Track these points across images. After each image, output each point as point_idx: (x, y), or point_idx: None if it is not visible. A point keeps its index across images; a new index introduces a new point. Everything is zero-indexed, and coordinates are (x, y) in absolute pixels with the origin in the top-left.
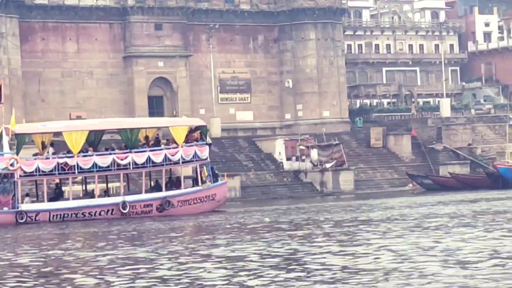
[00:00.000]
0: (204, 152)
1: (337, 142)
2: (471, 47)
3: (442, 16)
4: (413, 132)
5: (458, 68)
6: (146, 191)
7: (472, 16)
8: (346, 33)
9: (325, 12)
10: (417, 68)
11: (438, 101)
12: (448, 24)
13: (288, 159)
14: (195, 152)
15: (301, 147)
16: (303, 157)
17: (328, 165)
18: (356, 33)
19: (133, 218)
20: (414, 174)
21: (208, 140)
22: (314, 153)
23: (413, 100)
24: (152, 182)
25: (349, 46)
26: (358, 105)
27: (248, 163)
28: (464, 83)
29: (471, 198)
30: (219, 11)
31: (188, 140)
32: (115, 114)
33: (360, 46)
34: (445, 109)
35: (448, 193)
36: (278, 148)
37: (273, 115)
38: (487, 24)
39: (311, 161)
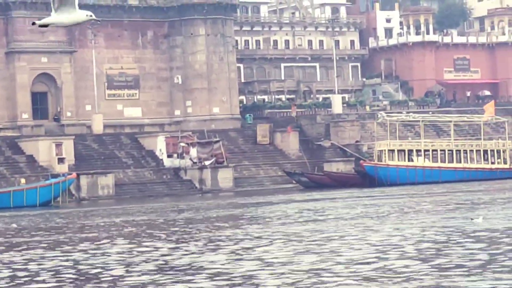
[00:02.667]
0: None
1: (217, 139)
2: (372, 43)
3: (342, 12)
4: (288, 129)
5: (359, 64)
6: None
7: (373, 12)
8: (243, 28)
9: (215, 8)
10: (317, 64)
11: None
12: (348, 20)
13: (169, 156)
14: None
15: (182, 144)
16: (184, 154)
17: (207, 163)
18: (254, 29)
19: None
20: (291, 172)
21: None
22: (193, 151)
23: (293, 102)
24: None
25: (247, 41)
26: (257, 101)
27: (128, 160)
28: (364, 79)
29: (308, 198)
30: (107, 6)
31: None
32: None
33: (258, 41)
34: (337, 106)
35: (315, 191)
36: (160, 145)
37: (163, 111)
38: (388, 20)
39: (190, 158)
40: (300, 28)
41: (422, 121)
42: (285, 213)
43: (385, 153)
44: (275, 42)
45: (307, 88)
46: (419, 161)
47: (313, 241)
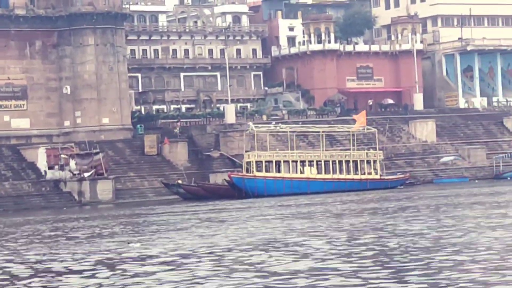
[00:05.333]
0: None
1: (97, 150)
2: (274, 51)
3: (244, 21)
4: (165, 141)
5: (261, 73)
6: None
7: (275, 21)
8: (141, 37)
9: (104, 17)
10: (218, 73)
11: (224, 107)
12: (250, 29)
13: (51, 168)
14: None
15: (63, 155)
16: (65, 166)
17: (86, 174)
18: (152, 38)
19: None
20: (169, 183)
21: None
22: (72, 162)
23: (177, 121)
24: None
25: (145, 51)
26: (154, 111)
27: (6, 172)
28: (266, 88)
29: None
30: None
31: None
32: None
33: (156, 51)
34: (230, 115)
35: (185, 203)
36: (41, 157)
37: (52, 122)
38: (291, 29)
39: (70, 170)
40: (200, 37)
41: (290, 132)
42: None
43: (253, 165)
44: (174, 51)
45: (207, 97)
46: (312, 172)
47: None
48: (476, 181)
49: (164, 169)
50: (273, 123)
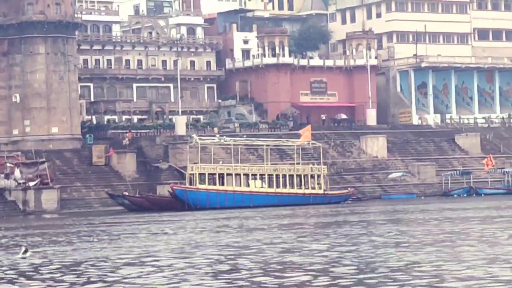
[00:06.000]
0: None
1: (43, 159)
2: (228, 64)
3: (199, 33)
4: (111, 151)
5: (215, 85)
6: None
7: (231, 33)
8: (94, 47)
9: (56, 26)
10: (171, 85)
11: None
12: (205, 41)
13: None
14: None
15: (8, 164)
16: (10, 175)
17: (31, 183)
18: (105, 48)
19: None
20: (114, 194)
21: None
22: (17, 171)
23: (127, 130)
24: None
25: (97, 60)
26: (105, 121)
27: None
28: (220, 101)
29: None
30: None
31: None
32: None
33: (109, 61)
34: (180, 127)
35: (129, 214)
36: None
37: (0, 130)
38: (246, 42)
39: (15, 179)
40: (153, 48)
41: (234, 144)
42: None
43: (196, 177)
44: (127, 61)
45: (160, 108)
46: (256, 185)
47: None
48: (423, 197)
49: (111, 180)
50: (218, 135)
